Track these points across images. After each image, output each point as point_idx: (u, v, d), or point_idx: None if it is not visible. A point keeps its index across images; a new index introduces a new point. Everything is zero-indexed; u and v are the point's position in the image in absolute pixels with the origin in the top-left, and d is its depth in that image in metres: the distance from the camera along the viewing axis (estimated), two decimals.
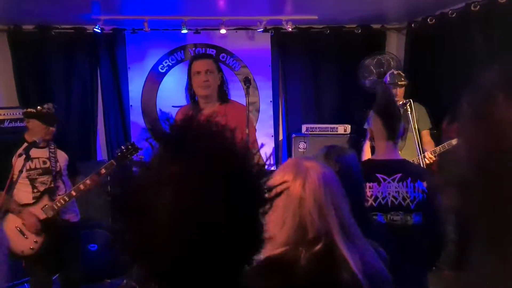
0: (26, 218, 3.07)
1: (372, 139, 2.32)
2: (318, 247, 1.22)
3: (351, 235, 1.25)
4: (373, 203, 2.18)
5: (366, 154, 4.20)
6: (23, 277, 3.55)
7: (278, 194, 0.77)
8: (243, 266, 0.76)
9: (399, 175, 2.22)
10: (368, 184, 2.16)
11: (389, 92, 2.65)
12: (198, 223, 0.68)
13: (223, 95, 3.02)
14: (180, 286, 0.71)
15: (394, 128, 2.27)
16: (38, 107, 3.09)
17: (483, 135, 0.52)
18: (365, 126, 4.33)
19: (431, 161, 3.81)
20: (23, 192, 3.11)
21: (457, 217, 0.57)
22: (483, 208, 0.51)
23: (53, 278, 3.41)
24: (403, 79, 4.13)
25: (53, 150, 3.20)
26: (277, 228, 1.24)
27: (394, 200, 2.20)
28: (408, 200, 2.20)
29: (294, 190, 1.26)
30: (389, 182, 2.20)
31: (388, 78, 4.19)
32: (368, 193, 2.17)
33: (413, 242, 2.26)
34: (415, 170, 2.42)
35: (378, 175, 2.20)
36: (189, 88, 3.03)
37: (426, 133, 4.10)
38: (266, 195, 0.75)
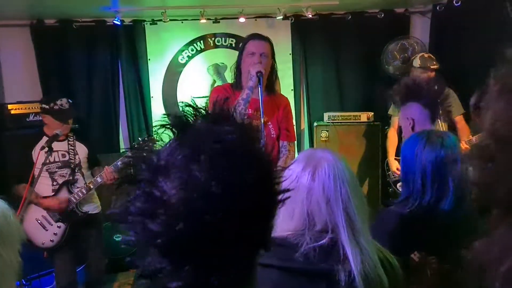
0: (48, 204, 3.09)
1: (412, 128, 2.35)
2: (323, 240, 1.21)
3: (356, 232, 1.23)
4: None
5: (391, 141, 4.12)
6: (48, 267, 3.61)
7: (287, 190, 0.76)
8: (259, 250, 0.77)
9: None
10: None
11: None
12: (211, 209, 0.67)
13: (269, 85, 2.81)
14: (197, 270, 0.70)
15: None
16: (51, 103, 3.08)
17: (509, 108, 0.53)
18: (390, 112, 4.22)
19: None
20: (43, 185, 3.14)
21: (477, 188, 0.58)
22: (504, 180, 0.52)
23: (78, 269, 3.45)
24: (435, 62, 3.98)
25: (72, 142, 3.22)
26: (285, 221, 1.24)
27: None
28: None
29: (303, 180, 1.25)
30: None
31: (418, 62, 4.03)
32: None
33: None
34: None
35: None
36: (236, 67, 2.81)
37: (460, 119, 3.95)
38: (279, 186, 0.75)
